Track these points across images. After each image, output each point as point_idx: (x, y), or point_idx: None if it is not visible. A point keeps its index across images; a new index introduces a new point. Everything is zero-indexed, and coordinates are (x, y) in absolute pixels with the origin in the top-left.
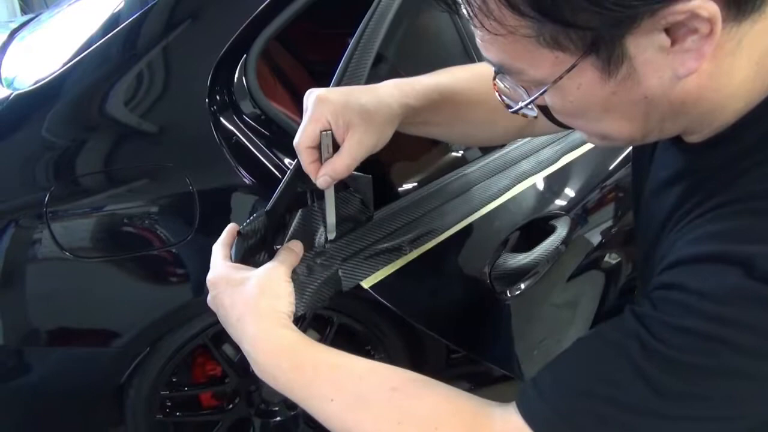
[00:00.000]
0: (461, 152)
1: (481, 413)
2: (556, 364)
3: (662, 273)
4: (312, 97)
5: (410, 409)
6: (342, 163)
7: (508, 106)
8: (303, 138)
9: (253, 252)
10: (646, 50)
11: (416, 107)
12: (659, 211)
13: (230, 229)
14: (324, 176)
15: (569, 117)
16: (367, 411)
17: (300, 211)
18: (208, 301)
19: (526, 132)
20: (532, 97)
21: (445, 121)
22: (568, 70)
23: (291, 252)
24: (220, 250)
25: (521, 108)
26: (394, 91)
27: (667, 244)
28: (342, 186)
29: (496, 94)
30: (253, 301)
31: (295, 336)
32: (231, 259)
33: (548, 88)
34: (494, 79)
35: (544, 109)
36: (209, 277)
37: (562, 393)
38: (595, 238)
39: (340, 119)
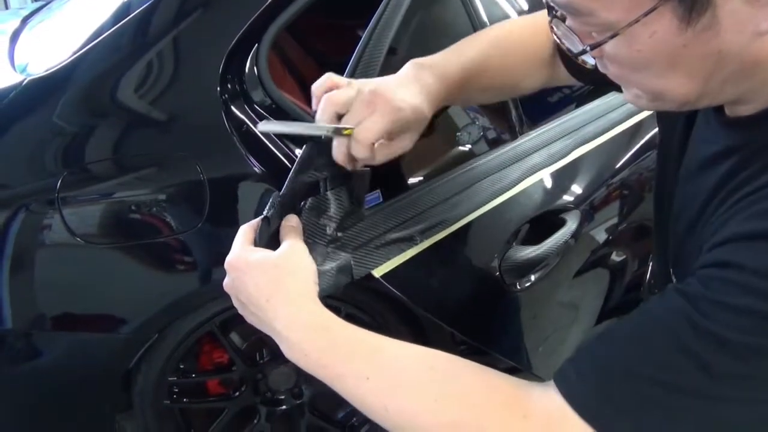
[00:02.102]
0: (472, 145)
1: (519, 392)
2: (596, 344)
3: (713, 250)
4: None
5: (448, 387)
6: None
7: (570, 50)
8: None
9: (275, 237)
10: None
11: (447, 100)
12: (704, 186)
13: (257, 219)
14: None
15: (629, 69)
16: (405, 389)
17: (310, 199)
18: (225, 285)
19: (555, 80)
20: (599, 41)
21: (475, 95)
22: (646, 14)
23: (292, 228)
24: (245, 233)
25: (582, 53)
26: (425, 106)
27: (716, 220)
28: (340, 181)
29: (554, 37)
30: (282, 279)
31: (328, 313)
32: (255, 243)
33: (620, 32)
34: (550, 22)
35: (569, 62)
36: (228, 259)
37: (604, 374)
38: (603, 234)
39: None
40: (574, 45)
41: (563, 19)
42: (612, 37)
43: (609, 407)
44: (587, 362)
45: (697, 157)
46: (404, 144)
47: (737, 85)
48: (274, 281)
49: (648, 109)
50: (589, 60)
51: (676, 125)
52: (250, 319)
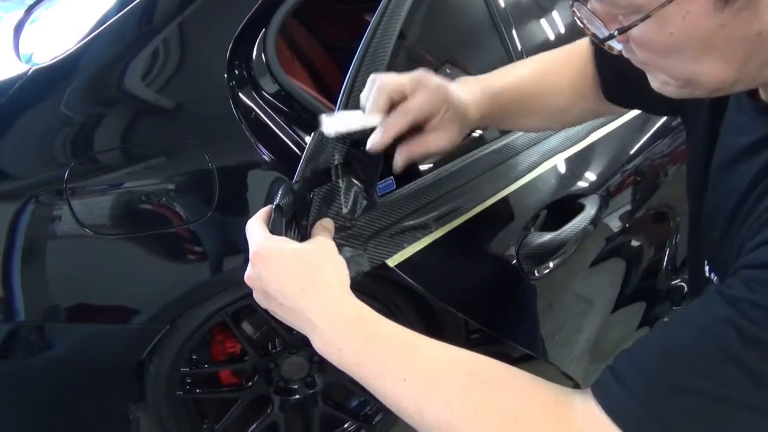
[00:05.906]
0: (487, 129)
1: (562, 404)
2: (636, 353)
3: (756, 250)
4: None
5: (488, 397)
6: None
7: (595, 35)
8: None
9: (288, 226)
10: None
11: (491, 112)
12: (740, 179)
13: (265, 208)
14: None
15: (660, 54)
16: (443, 395)
17: (322, 187)
18: (247, 276)
19: (600, 112)
20: (627, 25)
21: (518, 118)
22: None
23: (324, 228)
24: (259, 225)
25: (609, 39)
26: (468, 102)
27: (757, 216)
28: (353, 168)
29: (577, 21)
30: (318, 268)
31: (366, 307)
32: (270, 232)
33: (651, 14)
34: (571, 6)
35: (600, 52)
36: (256, 249)
37: (649, 387)
38: (622, 220)
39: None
40: (598, 30)
41: (585, 2)
42: (642, 20)
43: (656, 423)
44: (629, 374)
45: (731, 148)
46: (440, 143)
47: None
48: (310, 270)
49: (676, 97)
50: (616, 46)
51: (701, 112)
52: (277, 312)
